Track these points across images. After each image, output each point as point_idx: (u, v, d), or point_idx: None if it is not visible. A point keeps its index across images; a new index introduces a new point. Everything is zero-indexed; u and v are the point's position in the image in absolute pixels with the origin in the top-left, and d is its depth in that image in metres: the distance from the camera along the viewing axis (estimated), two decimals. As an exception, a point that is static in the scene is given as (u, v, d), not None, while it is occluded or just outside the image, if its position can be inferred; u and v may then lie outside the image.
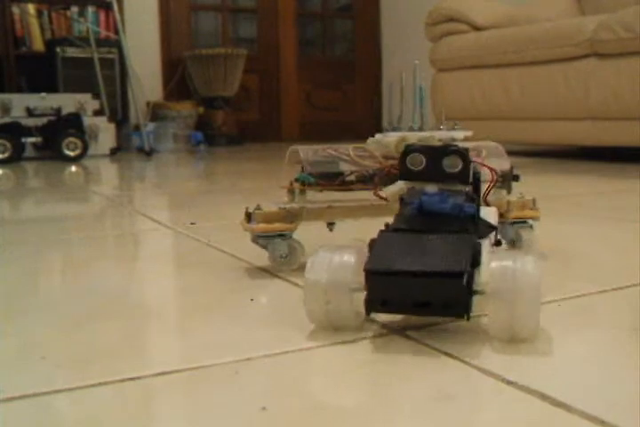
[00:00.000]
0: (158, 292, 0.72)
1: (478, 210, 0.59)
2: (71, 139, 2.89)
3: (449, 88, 2.76)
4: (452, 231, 0.53)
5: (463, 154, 0.57)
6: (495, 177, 0.70)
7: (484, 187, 0.67)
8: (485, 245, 0.55)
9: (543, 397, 0.43)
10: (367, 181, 0.73)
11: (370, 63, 4.70)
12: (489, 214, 0.62)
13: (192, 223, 1.13)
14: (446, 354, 0.50)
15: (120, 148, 3.31)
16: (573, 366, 0.48)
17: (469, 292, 0.50)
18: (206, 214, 1.29)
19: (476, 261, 0.51)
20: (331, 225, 0.78)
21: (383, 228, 0.57)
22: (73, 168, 2.59)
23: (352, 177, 0.74)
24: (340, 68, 4.68)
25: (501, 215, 0.77)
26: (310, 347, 0.52)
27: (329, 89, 4.63)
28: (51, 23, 3.55)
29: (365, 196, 0.74)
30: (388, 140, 0.69)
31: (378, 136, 0.70)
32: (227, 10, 4.35)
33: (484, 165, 0.68)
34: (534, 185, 1.69)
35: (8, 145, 2.79)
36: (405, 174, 0.59)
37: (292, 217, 0.75)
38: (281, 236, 0.75)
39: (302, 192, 0.75)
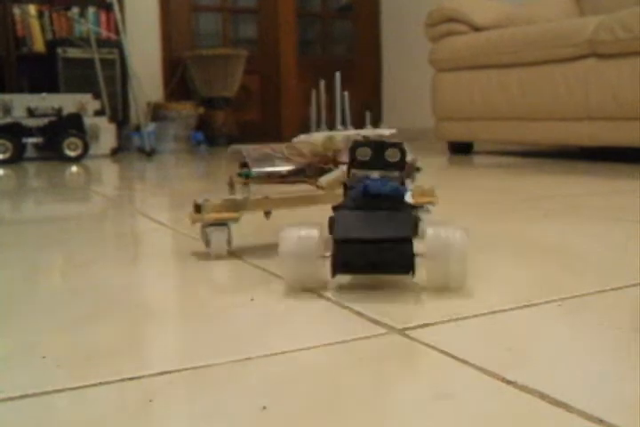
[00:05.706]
0: (158, 292, 0.72)
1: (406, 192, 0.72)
2: (72, 139, 2.89)
3: (448, 88, 2.76)
4: (394, 209, 0.66)
5: (402, 147, 0.69)
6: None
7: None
8: None
9: (542, 396, 0.43)
10: (299, 174, 0.85)
11: (370, 63, 4.70)
12: (407, 196, 0.76)
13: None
14: (446, 353, 0.51)
15: (121, 148, 3.31)
16: (573, 365, 0.48)
17: (413, 254, 0.63)
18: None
19: (416, 231, 0.65)
20: (267, 214, 0.89)
21: (332, 211, 0.67)
22: (74, 168, 2.59)
23: (286, 172, 0.85)
24: (340, 68, 4.68)
25: None
26: (310, 347, 0.52)
27: (329, 89, 4.63)
28: (51, 24, 3.55)
29: (298, 188, 0.88)
30: (316, 138, 0.81)
31: (302, 136, 0.81)
32: (227, 10, 4.35)
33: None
34: (533, 185, 1.69)
35: (9, 145, 2.79)
36: (354, 163, 0.70)
37: (237, 207, 0.84)
38: (224, 225, 0.84)
39: (245, 185, 0.85)
